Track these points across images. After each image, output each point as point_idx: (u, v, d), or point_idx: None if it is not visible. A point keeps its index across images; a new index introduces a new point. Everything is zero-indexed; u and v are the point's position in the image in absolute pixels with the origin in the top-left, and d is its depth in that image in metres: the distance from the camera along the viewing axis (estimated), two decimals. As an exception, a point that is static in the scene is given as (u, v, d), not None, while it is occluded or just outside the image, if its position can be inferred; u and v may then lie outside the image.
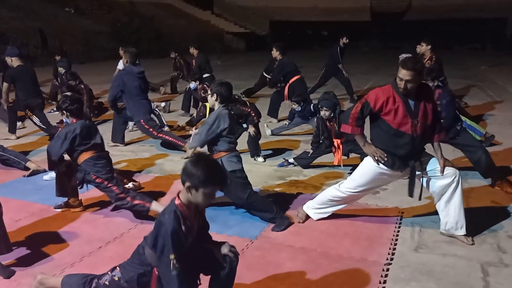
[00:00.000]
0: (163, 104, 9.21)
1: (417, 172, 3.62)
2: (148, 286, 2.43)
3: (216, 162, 2.55)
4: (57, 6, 24.98)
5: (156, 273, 2.39)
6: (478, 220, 3.97)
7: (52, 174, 5.12)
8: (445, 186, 3.55)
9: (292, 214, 4.14)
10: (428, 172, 3.60)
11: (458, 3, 33.36)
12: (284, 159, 5.76)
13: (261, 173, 5.40)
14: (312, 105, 6.84)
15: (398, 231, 3.84)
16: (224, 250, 2.53)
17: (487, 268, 3.24)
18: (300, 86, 7.83)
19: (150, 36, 24.19)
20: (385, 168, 3.62)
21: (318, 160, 5.59)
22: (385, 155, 3.57)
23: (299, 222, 4.01)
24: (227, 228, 3.92)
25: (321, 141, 5.43)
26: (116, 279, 2.50)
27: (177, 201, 2.35)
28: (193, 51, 10.06)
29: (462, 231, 3.61)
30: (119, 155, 6.16)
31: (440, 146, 3.64)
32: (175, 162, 5.82)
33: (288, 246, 3.60)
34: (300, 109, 6.80)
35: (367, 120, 3.66)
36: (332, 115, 5.23)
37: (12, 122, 7.13)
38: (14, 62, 6.72)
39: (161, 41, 24.75)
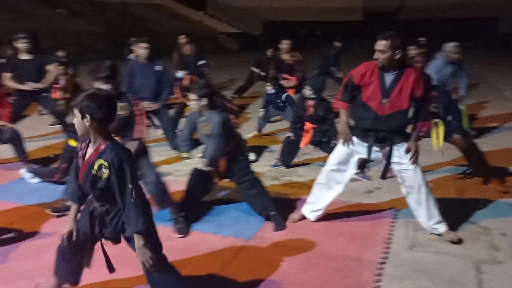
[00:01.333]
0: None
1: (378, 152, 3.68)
2: None
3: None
4: (49, 7, 24.83)
5: None
6: (471, 217, 4.01)
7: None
8: (410, 179, 3.59)
9: (287, 215, 4.15)
10: (394, 157, 3.62)
11: (450, 3, 33.54)
12: (277, 159, 5.77)
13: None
14: (286, 95, 6.87)
15: (392, 230, 3.86)
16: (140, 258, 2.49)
17: (480, 265, 3.27)
18: None
19: (143, 37, 24.12)
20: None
21: (311, 156, 5.62)
22: (351, 141, 3.68)
23: (292, 222, 4.02)
24: (222, 228, 3.92)
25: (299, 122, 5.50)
26: None
27: None
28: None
29: (443, 228, 3.64)
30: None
31: (416, 133, 3.60)
32: (168, 164, 5.81)
33: (283, 246, 3.61)
34: (273, 92, 6.80)
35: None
36: (313, 96, 5.29)
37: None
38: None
39: (154, 42, 24.66)
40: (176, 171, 5.45)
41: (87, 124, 2.37)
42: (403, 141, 3.60)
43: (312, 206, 4.02)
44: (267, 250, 3.55)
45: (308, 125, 5.33)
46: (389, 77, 3.51)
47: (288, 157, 5.60)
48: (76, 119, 2.40)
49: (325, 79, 5.65)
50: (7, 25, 19.74)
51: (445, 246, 3.57)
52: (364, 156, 3.76)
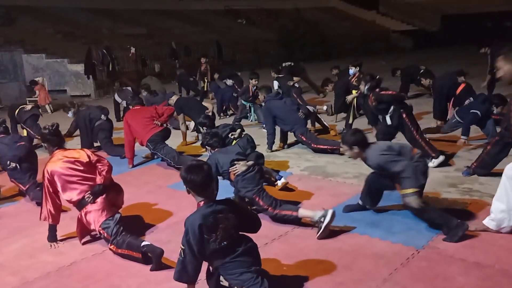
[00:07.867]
0: (325, 107, 9.24)
1: None
2: None
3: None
4: (231, 19, 27.24)
5: None
6: None
7: None
8: None
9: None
10: None
11: None
12: (467, 167, 5.13)
13: (429, 179, 5.02)
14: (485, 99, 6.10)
15: None
16: None
17: None
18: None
19: (314, 40, 24.67)
20: None
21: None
22: None
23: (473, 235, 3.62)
24: (391, 234, 3.77)
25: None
26: None
27: None
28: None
29: None
30: (284, 157, 6.43)
31: None
32: (336, 165, 5.82)
33: (460, 260, 3.30)
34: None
35: None
36: None
37: None
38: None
39: (324, 44, 25.04)
40: (345, 172, 5.43)
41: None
42: None
43: (492, 216, 3.60)
44: (441, 262, 3.29)
45: None
46: None
47: (490, 163, 4.84)
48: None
49: None
50: (197, 37, 22.33)
51: None
52: None
